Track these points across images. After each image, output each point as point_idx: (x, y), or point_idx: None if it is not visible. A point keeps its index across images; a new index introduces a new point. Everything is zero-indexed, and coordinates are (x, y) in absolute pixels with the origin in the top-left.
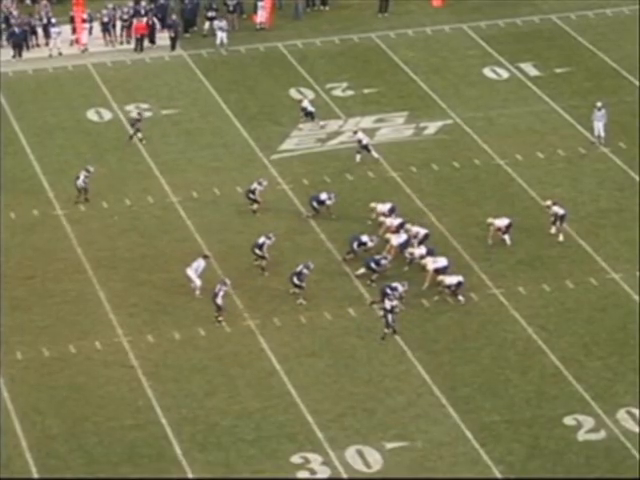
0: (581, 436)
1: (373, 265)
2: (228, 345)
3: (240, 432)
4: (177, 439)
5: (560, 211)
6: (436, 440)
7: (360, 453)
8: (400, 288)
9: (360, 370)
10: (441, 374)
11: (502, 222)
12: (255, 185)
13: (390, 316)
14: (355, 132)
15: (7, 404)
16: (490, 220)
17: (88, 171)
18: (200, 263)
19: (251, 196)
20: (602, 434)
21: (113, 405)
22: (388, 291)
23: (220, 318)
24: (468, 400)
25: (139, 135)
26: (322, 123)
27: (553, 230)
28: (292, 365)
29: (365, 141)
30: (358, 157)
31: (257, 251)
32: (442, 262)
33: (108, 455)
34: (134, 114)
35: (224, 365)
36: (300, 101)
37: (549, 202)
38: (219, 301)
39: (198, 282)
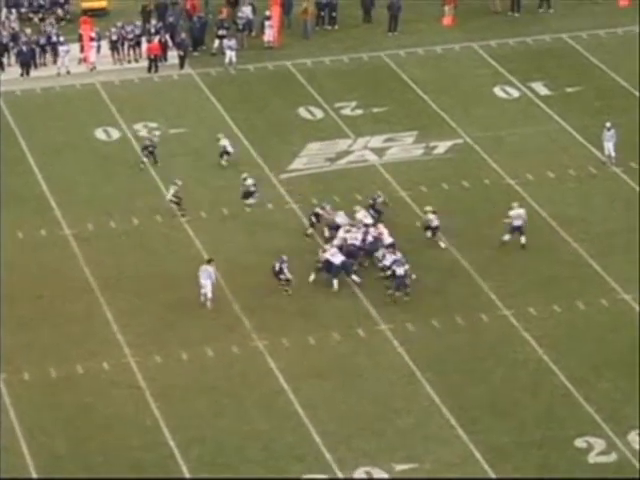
0: (592, 458)
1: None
2: (236, 365)
3: (248, 453)
4: (184, 460)
5: (516, 223)
6: (445, 461)
7: (369, 474)
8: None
9: (369, 391)
10: (450, 395)
11: (517, 222)
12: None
13: (406, 280)
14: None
15: (13, 424)
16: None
17: (177, 184)
18: (208, 269)
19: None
20: (613, 456)
21: (120, 425)
22: (389, 260)
23: (287, 288)
24: (477, 421)
25: (143, 160)
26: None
27: (507, 237)
28: (300, 385)
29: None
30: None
31: (281, 277)
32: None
33: (115, 476)
34: (146, 141)
35: (232, 385)
36: (218, 139)
37: (512, 209)
38: (287, 275)
39: (209, 293)
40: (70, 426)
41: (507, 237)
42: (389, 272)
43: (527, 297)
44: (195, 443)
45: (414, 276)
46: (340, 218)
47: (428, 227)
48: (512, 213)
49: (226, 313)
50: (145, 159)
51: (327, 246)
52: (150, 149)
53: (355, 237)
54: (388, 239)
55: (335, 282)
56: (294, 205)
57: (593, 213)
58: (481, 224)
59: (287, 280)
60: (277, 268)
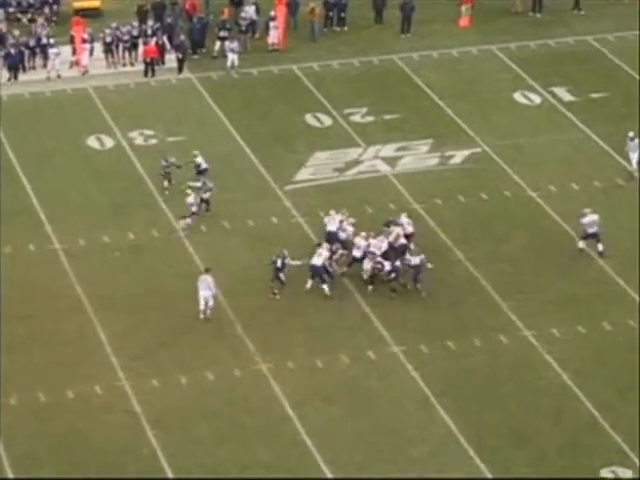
0: None
1: None
2: (238, 390)
3: None
4: None
5: (591, 230)
6: None
7: None
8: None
9: (380, 417)
10: (467, 422)
11: (592, 229)
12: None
13: (421, 269)
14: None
15: (0, 452)
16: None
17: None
18: (207, 279)
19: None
20: None
21: (114, 453)
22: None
23: (276, 291)
24: (496, 450)
25: (165, 184)
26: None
27: (581, 245)
28: (307, 411)
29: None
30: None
31: (281, 276)
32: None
33: None
34: (162, 162)
35: (234, 411)
36: (194, 156)
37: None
38: (291, 263)
39: (211, 301)
40: (60, 454)
41: (582, 244)
42: (393, 275)
43: (549, 317)
44: (194, 472)
45: (430, 265)
46: (331, 224)
47: (405, 236)
48: (585, 220)
49: (227, 333)
50: (166, 182)
51: (322, 249)
52: (167, 169)
53: (378, 245)
54: (401, 240)
55: (325, 287)
56: (300, 219)
57: (620, 228)
58: (500, 239)
59: (281, 282)
60: (279, 264)
